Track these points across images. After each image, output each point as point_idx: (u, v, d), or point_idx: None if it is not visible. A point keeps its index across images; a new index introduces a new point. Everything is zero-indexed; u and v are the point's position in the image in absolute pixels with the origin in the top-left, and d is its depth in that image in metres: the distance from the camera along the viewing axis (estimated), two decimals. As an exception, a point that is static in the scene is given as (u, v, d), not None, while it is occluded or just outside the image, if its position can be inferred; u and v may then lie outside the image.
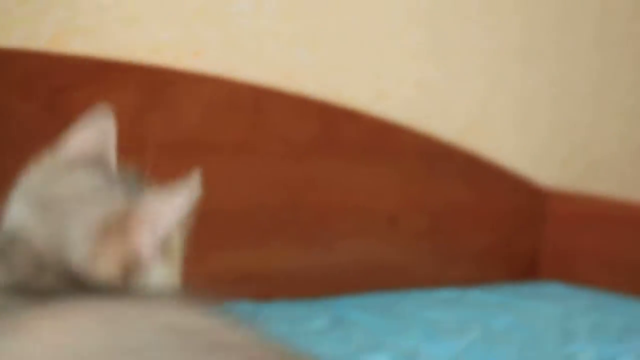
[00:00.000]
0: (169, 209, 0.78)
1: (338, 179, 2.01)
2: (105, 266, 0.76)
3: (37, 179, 0.84)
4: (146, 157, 1.72)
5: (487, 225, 2.38)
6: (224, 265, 1.86)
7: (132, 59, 1.76)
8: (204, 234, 1.82)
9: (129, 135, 1.69)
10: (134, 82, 1.70)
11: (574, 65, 2.64)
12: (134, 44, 1.77)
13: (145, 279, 0.78)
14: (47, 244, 0.77)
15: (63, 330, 0.63)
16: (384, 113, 2.14)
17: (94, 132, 0.88)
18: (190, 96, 1.79)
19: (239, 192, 1.86)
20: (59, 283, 0.74)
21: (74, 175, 0.83)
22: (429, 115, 2.26)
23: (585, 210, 2.47)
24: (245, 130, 1.86)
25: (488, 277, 2.37)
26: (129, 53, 1.76)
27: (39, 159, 0.87)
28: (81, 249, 0.76)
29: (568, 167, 2.65)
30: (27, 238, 0.77)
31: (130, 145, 1.69)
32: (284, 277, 1.92)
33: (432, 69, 2.25)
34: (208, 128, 1.80)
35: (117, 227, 0.78)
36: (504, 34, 2.41)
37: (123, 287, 0.76)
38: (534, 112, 2.54)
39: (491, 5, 2.36)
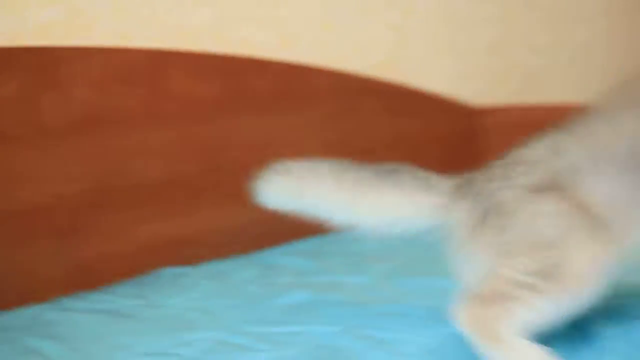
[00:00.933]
0: None
1: (254, 133, 1.98)
2: None
3: None
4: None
5: (427, 152, 2.36)
6: (152, 236, 1.84)
7: (17, 44, 1.72)
8: (129, 209, 1.81)
9: (24, 119, 1.66)
10: (20, 66, 1.67)
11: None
12: (17, 29, 1.73)
13: None
14: None
15: None
16: (293, 59, 2.12)
17: None
18: (83, 72, 1.75)
19: (154, 163, 1.83)
20: None
21: None
22: (342, 54, 2.23)
23: (521, 121, 2.46)
24: (147, 97, 1.83)
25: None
26: (12, 38, 1.73)
27: None
28: None
29: (503, 84, 2.64)
30: None
31: (27, 130, 1.66)
32: (214, 238, 1.91)
33: (337, 8, 2.22)
34: (106, 102, 1.77)
35: None
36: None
37: None
38: (454, 36, 2.52)
39: None
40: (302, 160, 1.26)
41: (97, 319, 1.43)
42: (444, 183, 1.17)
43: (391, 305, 1.37)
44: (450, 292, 1.07)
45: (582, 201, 0.98)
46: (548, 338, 1.00)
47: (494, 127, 2.51)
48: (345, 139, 2.16)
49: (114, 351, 1.24)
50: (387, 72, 2.33)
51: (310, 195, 1.20)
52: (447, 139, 2.45)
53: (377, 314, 1.33)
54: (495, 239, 1.01)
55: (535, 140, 1.11)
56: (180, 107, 1.88)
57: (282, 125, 2.04)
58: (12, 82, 1.65)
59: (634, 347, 1.04)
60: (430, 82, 2.44)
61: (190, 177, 1.89)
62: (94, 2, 1.82)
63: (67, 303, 1.53)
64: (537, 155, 1.07)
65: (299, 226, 2.01)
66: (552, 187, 1.00)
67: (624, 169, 1.01)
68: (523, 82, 2.68)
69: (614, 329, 1.10)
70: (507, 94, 2.62)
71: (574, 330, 1.06)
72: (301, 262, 1.75)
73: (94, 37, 1.82)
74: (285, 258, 1.79)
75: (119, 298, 1.55)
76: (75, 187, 1.71)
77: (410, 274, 1.54)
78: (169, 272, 1.74)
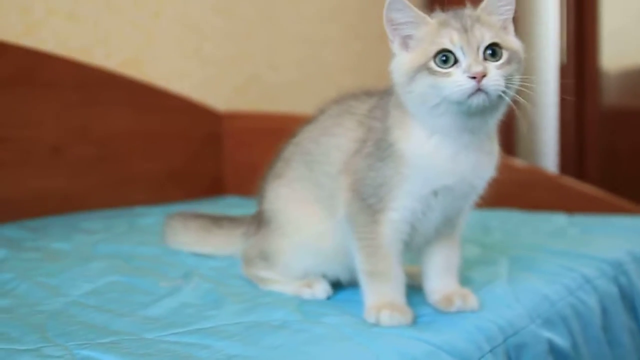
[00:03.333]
0: None
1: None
2: None
3: None
4: None
5: (164, 149, 2.48)
6: None
7: None
8: None
9: None
10: None
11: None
12: None
13: None
14: None
15: None
16: (36, 46, 2.16)
17: None
18: None
19: None
20: None
21: None
22: (86, 47, 2.31)
23: (257, 126, 2.65)
24: None
25: (171, 197, 2.47)
26: None
27: None
28: None
29: (243, 93, 2.81)
30: None
31: None
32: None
33: (86, 2, 2.29)
34: None
35: None
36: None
37: None
38: (204, 43, 2.67)
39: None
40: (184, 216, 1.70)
41: None
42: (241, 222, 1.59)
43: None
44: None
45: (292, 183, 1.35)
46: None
47: (233, 131, 2.68)
48: (86, 126, 2.22)
49: None
50: (133, 70, 2.42)
51: (185, 242, 1.67)
52: (191, 138, 2.58)
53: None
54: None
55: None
56: None
57: (20, 107, 2.07)
58: None
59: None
60: (176, 84, 2.56)
61: None
62: None
63: None
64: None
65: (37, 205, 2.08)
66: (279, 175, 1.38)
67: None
68: (260, 93, 2.88)
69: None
70: (246, 102, 2.79)
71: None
72: (16, 233, 1.82)
73: None
74: (32, 235, 1.84)
75: None
76: None
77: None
78: None
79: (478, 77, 1.12)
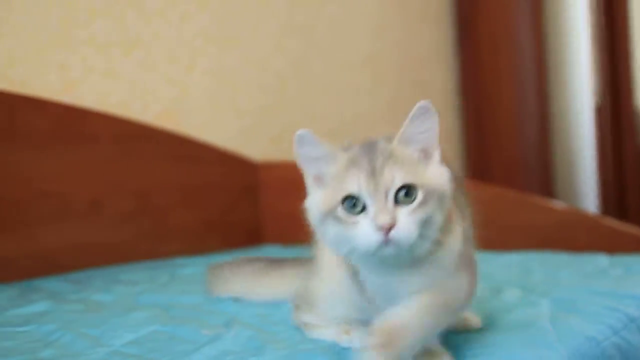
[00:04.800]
0: None
1: (29, 168, 2.05)
2: None
3: None
4: None
5: (202, 200, 2.51)
6: None
7: None
8: None
9: None
10: None
11: (274, 48, 2.85)
12: None
13: None
14: None
15: None
16: (74, 102, 2.21)
17: None
18: None
19: None
20: None
21: None
22: (123, 102, 2.35)
23: (293, 175, 2.66)
24: None
25: (210, 247, 2.49)
26: None
27: None
28: None
29: (279, 143, 2.84)
30: None
31: None
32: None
33: (119, 58, 2.35)
34: None
35: None
36: (194, 22, 2.56)
37: None
38: (238, 94, 2.71)
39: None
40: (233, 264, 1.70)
41: None
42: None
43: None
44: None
45: None
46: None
47: (270, 181, 2.69)
48: (124, 179, 2.26)
49: None
50: (169, 123, 2.46)
51: (239, 290, 1.64)
52: (228, 188, 2.60)
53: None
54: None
55: None
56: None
57: (59, 162, 2.11)
58: None
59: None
60: (212, 135, 2.60)
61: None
62: None
63: None
64: None
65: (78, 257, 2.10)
66: None
67: None
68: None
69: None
70: (282, 152, 2.82)
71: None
72: (61, 284, 1.83)
73: None
74: (72, 286, 1.86)
75: None
76: None
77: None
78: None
79: (385, 229, 1.01)
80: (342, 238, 1.06)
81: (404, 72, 3.36)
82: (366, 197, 1.04)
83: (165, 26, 2.48)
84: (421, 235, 1.04)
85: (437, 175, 1.09)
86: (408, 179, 1.05)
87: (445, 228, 1.10)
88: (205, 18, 2.61)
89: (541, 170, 3.00)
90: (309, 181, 1.13)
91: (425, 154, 1.10)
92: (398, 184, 1.04)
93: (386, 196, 1.03)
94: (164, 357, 1.22)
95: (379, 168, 1.05)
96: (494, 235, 1.69)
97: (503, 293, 1.63)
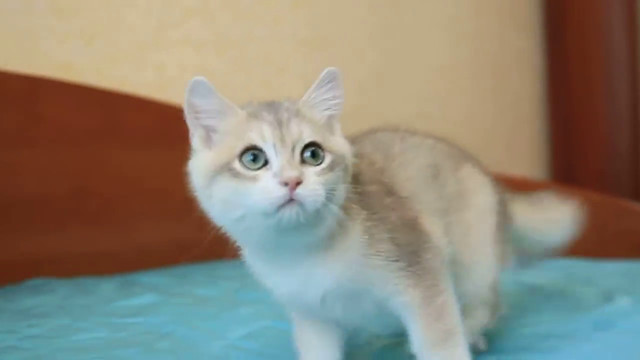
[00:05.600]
0: None
1: (126, 165, 2.07)
2: None
3: None
4: None
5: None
6: (19, 251, 1.87)
7: None
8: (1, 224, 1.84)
9: None
10: None
11: (358, 55, 2.84)
12: None
13: None
14: None
15: None
16: (169, 100, 2.23)
17: None
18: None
19: (22, 182, 1.89)
20: None
21: None
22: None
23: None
24: (20, 120, 1.90)
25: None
26: None
27: None
28: None
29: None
30: None
31: None
32: (85, 257, 1.96)
33: (213, 58, 2.36)
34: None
35: None
36: (283, 26, 2.57)
37: None
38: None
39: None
40: None
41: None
42: None
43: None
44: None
45: None
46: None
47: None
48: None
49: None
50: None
51: None
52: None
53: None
54: None
55: None
56: (53, 132, 1.95)
57: (155, 160, 2.12)
58: None
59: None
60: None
61: (56, 199, 1.95)
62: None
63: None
64: None
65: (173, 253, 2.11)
66: None
67: None
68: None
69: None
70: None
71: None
72: (161, 279, 1.85)
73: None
74: (148, 276, 1.89)
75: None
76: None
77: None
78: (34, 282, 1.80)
79: (291, 184, 0.90)
80: (237, 196, 0.93)
81: (486, 79, 3.31)
82: (270, 150, 0.93)
83: (258, 26, 2.49)
84: (325, 205, 0.93)
85: (343, 144, 1.00)
86: (316, 138, 0.95)
87: (349, 212, 0.99)
88: (298, 19, 2.61)
89: (630, 181, 2.93)
90: (195, 141, 1.02)
91: (329, 123, 1.02)
92: (306, 139, 0.95)
93: (292, 151, 0.93)
94: (284, 353, 1.21)
95: (285, 121, 0.95)
96: (596, 244, 1.65)
97: (613, 300, 1.58)
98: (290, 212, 0.90)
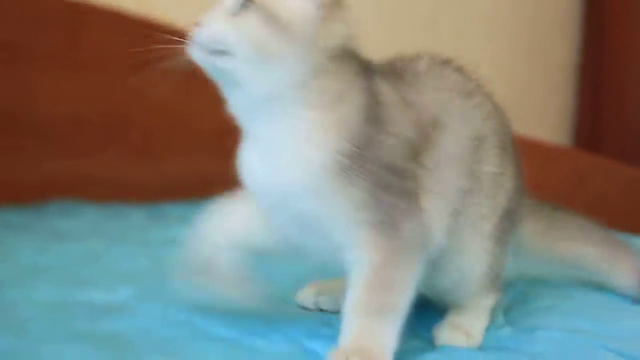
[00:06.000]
0: None
1: (166, 97, 2.07)
2: None
3: None
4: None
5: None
6: (46, 171, 1.90)
7: None
8: (35, 143, 1.88)
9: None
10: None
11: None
12: None
13: None
14: None
15: None
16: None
17: None
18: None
19: (62, 103, 1.91)
20: None
21: None
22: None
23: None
24: (63, 43, 1.91)
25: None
26: None
27: None
28: None
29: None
30: None
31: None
32: (120, 183, 2.00)
33: None
34: (22, 34, 1.85)
35: None
36: None
37: None
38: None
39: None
40: None
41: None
42: None
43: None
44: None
45: None
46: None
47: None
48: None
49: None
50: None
51: None
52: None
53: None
54: None
55: None
56: (94, 58, 1.97)
57: (193, 94, 2.12)
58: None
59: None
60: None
61: (95, 123, 1.98)
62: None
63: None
64: None
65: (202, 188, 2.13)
66: None
67: None
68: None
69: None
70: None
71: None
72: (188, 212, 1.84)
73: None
74: (174, 208, 1.89)
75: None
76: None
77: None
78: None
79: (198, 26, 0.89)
80: None
81: (523, 43, 3.29)
82: None
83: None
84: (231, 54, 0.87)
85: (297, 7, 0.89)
86: None
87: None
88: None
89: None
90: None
91: None
92: None
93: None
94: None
95: None
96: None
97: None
98: (194, 53, 0.90)
